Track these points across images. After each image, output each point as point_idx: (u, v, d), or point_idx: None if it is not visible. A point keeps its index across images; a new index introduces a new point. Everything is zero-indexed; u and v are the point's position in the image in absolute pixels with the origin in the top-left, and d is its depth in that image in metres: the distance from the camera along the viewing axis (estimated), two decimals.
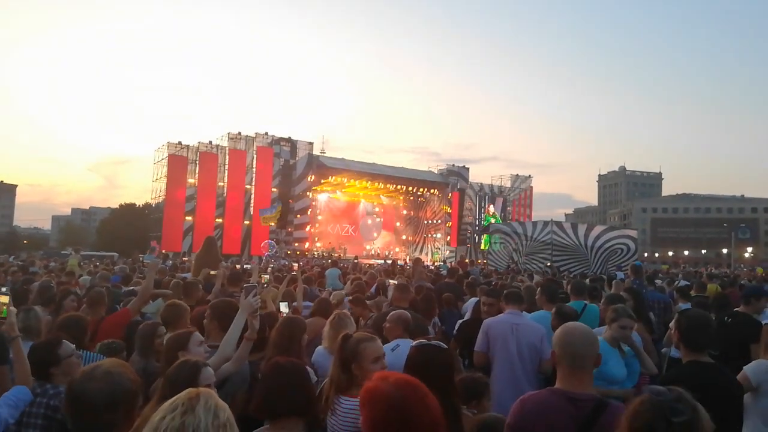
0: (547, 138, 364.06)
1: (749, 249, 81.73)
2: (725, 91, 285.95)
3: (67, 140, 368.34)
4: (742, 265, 52.88)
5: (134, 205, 66.45)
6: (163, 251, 28.55)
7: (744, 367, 3.67)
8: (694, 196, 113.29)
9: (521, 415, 2.30)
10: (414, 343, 2.95)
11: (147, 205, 52.91)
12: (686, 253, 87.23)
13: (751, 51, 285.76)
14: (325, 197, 42.23)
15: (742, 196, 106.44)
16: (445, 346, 2.92)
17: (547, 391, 2.38)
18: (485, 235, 44.20)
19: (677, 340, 3.33)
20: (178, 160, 35.16)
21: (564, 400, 2.25)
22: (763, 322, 4.46)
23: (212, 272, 8.03)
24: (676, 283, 12.61)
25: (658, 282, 11.37)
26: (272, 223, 33.45)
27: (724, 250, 78.16)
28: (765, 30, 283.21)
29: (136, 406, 2.12)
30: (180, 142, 35.88)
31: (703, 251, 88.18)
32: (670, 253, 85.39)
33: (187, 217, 34.26)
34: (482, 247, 44.54)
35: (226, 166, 35.98)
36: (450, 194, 44.41)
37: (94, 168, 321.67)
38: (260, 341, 3.53)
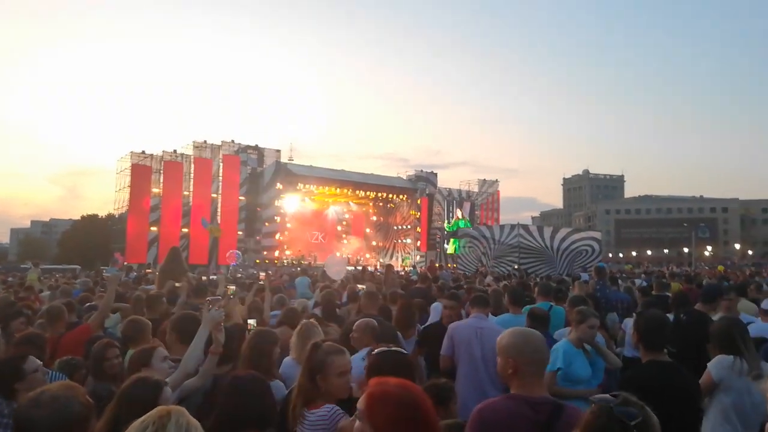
0: (514, 143, 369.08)
1: (709, 248, 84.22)
2: (684, 96, 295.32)
3: (24, 150, 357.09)
4: (702, 263, 54.47)
5: (97, 216, 64.82)
6: (126, 263, 27.84)
7: (708, 365, 3.68)
8: (656, 197, 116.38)
9: (480, 422, 2.28)
10: (374, 350, 2.94)
11: (110, 216, 51.73)
12: (649, 252, 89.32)
13: (708, 57, 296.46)
14: (293, 205, 41.91)
15: (701, 196, 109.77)
16: (405, 351, 2.92)
17: (503, 398, 2.38)
18: (452, 239, 44.60)
19: (636, 340, 3.42)
20: (141, 170, 34.43)
21: (523, 405, 2.26)
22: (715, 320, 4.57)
23: (177, 284, 7.88)
24: (639, 282, 12.91)
25: (621, 282, 11.62)
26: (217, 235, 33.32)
27: (685, 249, 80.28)
28: (722, 36, 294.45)
29: (88, 430, 2.05)
30: (144, 151, 35.16)
31: (666, 251, 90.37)
32: (634, 254, 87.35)
33: (151, 228, 33.59)
34: (448, 251, 44.92)
35: (192, 175, 35.46)
36: (419, 200, 44.72)
37: (54, 178, 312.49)
38: (226, 354, 3.48)
